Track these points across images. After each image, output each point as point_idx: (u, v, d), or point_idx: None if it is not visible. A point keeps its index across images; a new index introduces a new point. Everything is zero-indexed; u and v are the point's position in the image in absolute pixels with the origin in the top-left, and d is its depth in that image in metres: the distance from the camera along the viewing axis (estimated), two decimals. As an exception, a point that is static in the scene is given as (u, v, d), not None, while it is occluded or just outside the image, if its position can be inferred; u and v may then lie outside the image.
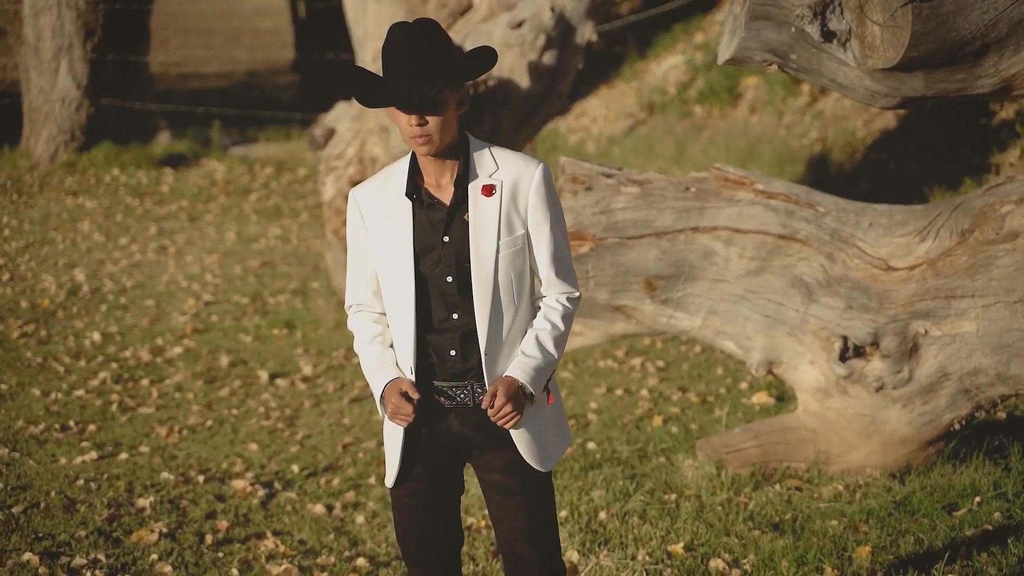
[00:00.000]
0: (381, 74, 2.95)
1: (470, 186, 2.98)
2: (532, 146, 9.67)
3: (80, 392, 6.46)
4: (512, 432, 3.00)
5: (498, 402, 2.93)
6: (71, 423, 5.98)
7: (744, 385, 6.38)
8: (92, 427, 5.94)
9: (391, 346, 3.07)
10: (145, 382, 6.65)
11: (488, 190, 2.97)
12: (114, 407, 6.24)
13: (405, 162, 3.04)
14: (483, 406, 2.97)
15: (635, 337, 6.60)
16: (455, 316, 3.00)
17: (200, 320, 7.84)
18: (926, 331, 4.72)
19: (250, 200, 11.55)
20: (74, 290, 8.49)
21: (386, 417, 3.06)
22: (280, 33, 23.86)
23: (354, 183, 7.69)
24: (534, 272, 3.05)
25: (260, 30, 25.77)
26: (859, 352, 4.82)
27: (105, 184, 11.99)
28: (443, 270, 2.98)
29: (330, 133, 7.92)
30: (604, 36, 7.96)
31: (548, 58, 7.32)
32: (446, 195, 2.99)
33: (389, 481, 3.11)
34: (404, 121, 2.92)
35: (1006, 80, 3.94)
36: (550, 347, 3.00)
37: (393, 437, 3.07)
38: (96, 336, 7.42)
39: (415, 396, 2.97)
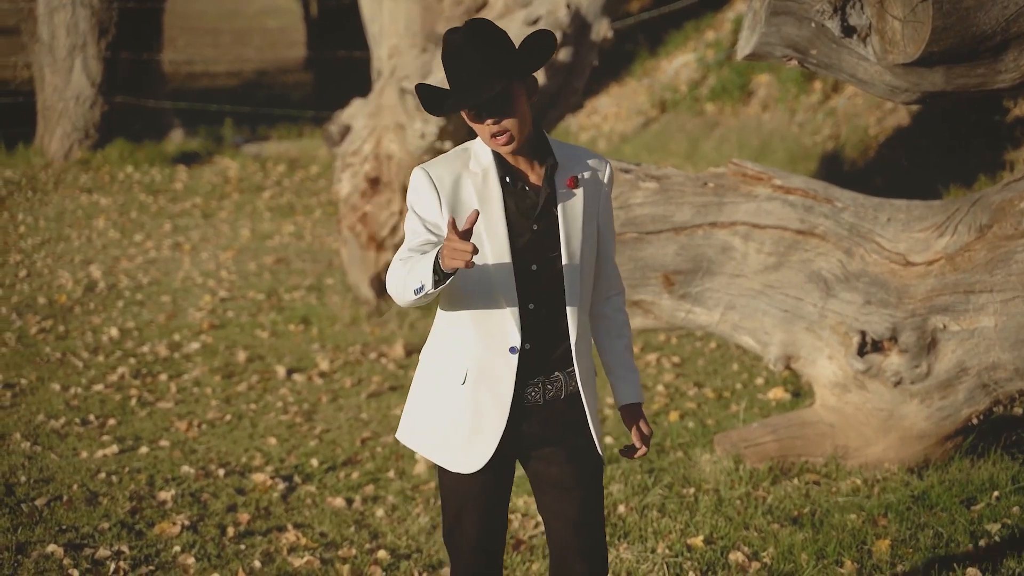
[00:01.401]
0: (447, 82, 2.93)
1: (556, 177, 2.97)
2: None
3: (99, 387, 6.49)
4: (591, 423, 3.03)
5: (648, 434, 3.06)
6: (91, 417, 6.03)
7: (760, 381, 6.41)
8: (112, 421, 5.98)
9: None
10: (163, 377, 6.69)
11: (573, 182, 2.98)
12: (133, 402, 6.28)
13: (480, 147, 2.98)
14: (638, 445, 3.05)
15: (650, 333, 6.63)
16: (531, 306, 2.96)
17: (216, 316, 7.88)
18: (944, 326, 4.74)
19: (263, 197, 11.59)
20: (91, 286, 8.53)
21: (442, 399, 2.99)
22: (287, 32, 23.92)
23: (370, 179, 7.72)
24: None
25: (268, 29, 25.83)
26: (877, 347, 4.84)
27: (119, 181, 12.04)
28: (529, 258, 2.95)
29: (346, 130, 7.95)
30: (615, 34, 7.97)
31: (564, 55, 7.34)
32: (535, 185, 2.98)
33: (466, 468, 2.99)
34: (479, 124, 2.91)
35: (1027, 75, 3.96)
36: (632, 355, 3.12)
37: (462, 427, 2.98)
38: (114, 332, 7.46)
39: (475, 216, 2.74)
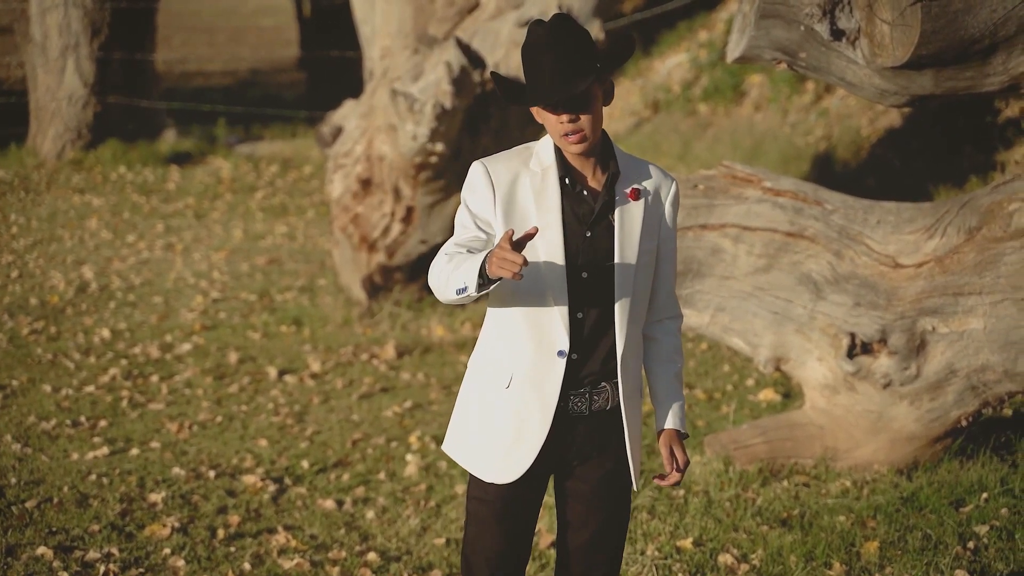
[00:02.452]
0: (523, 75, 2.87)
1: (617, 185, 2.90)
2: (538, 144, 9.66)
3: (90, 388, 6.49)
4: (628, 444, 2.94)
5: (682, 463, 2.93)
6: (82, 419, 6.02)
7: (751, 382, 6.41)
8: (103, 423, 5.97)
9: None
10: (155, 378, 6.68)
11: (634, 193, 2.90)
12: (124, 403, 6.28)
13: (543, 147, 2.92)
14: (668, 471, 2.93)
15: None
16: (579, 315, 2.88)
17: (208, 317, 7.88)
18: (934, 328, 4.75)
19: (256, 198, 11.58)
20: (83, 287, 8.53)
21: (486, 404, 2.92)
22: (282, 31, 23.90)
23: (362, 181, 7.72)
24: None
25: (262, 28, 25.82)
26: (867, 349, 4.85)
27: (112, 182, 12.03)
28: (580, 265, 2.86)
29: (338, 131, 7.95)
30: (608, 34, 7.97)
31: (555, 56, 7.32)
32: (593, 191, 2.90)
33: (503, 477, 2.92)
34: (554, 120, 2.82)
35: (1015, 78, 3.98)
36: (682, 383, 3.03)
37: (504, 433, 2.92)
38: (105, 333, 7.46)
39: (533, 232, 2.66)
